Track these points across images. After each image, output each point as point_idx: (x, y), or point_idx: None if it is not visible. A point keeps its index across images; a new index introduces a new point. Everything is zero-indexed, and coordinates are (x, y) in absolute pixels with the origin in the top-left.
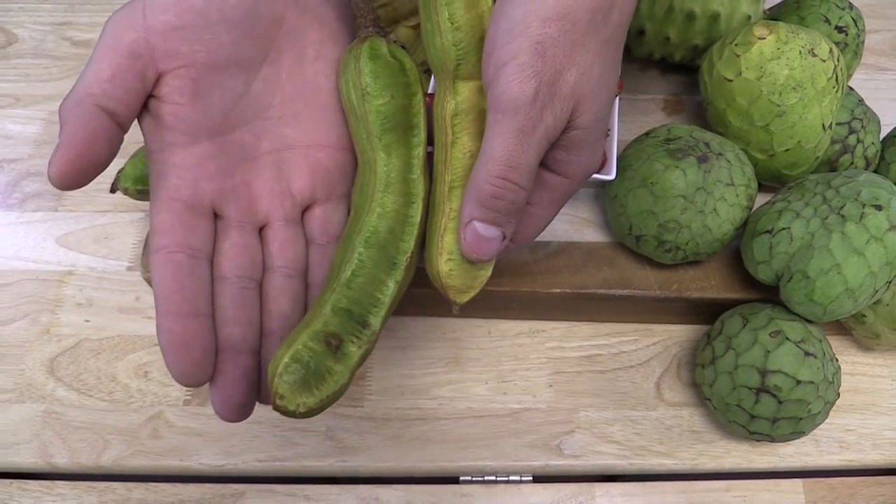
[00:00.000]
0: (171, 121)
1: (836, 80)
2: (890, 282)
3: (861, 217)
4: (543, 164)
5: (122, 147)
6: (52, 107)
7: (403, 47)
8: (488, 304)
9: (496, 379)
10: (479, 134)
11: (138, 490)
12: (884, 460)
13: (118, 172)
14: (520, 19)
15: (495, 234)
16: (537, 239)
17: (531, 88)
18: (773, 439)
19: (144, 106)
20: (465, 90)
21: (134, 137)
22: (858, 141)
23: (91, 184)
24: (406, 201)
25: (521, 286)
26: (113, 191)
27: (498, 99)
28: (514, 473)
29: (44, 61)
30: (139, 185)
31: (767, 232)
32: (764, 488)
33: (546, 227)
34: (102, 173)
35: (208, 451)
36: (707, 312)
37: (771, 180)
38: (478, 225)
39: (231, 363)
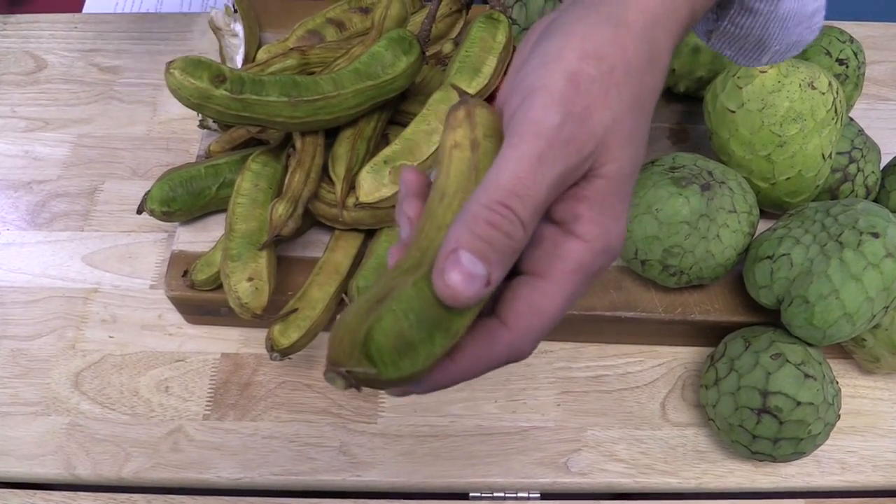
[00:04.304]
0: None
1: (836, 111)
2: (888, 307)
3: (859, 244)
4: (556, 218)
5: (147, 170)
6: (80, 130)
7: None
8: None
9: (505, 397)
10: None
11: (158, 502)
12: (885, 482)
13: (145, 194)
14: (555, 51)
15: (480, 273)
16: None
17: (558, 115)
18: (774, 459)
19: None
20: None
21: (158, 160)
22: (859, 170)
23: (116, 205)
24: None
25: None
26: (139, 212)
27: (519, 123)
28: (523, 490)
29: (72, 86)
30: (164, 207)
31: (769, 258)
32: None
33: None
34: (129, 195)
35: (226, 464)
36: (711, 335)
37: (772, 208)
38: (464, 255)
39: None
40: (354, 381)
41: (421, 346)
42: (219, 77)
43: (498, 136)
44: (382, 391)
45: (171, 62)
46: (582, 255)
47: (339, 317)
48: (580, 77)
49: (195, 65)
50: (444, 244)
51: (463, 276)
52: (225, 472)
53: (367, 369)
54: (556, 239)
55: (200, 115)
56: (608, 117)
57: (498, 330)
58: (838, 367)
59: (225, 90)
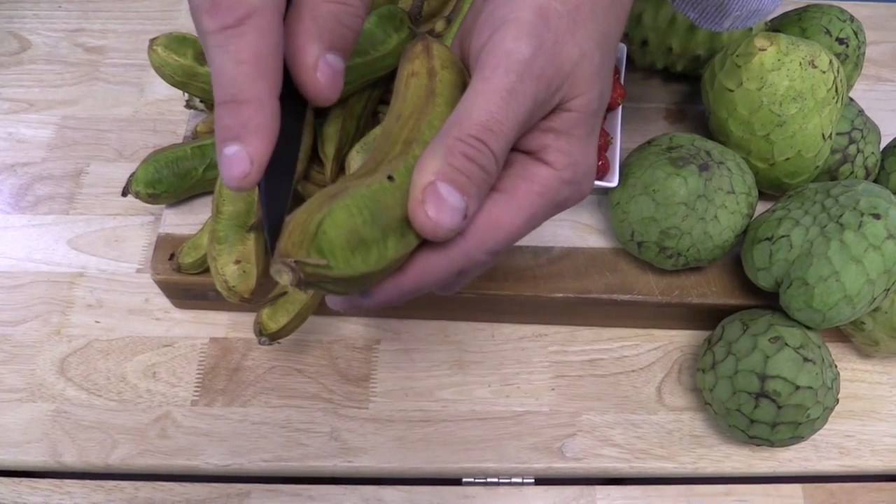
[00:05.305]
0: None
1: (836, 90)
2: (888, 289)
3: (859, 226)
4: (525, 149)
5: (134, 152)
6: (64, 112)
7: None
8: (492, 308)
9: (499, 382)
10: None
11: (146, 489)
12: (883, 466)
13: (130, 176)
14: None
15: (459, 204)
16: (540, 244)
17: (529, 47)
18: (772, 444)
19: None
20: None
21: (145, 142)
22: (858, 151)
23: (102, 187)
24: None
25: (524, 290)
26: (124, 194)
27: (489, 54)
28: (517, 475)
29: (57, 67)
30: (150, 189)
31: (767, 239)
32: (764, 493)
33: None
34: (114, 178)
35: (215, 450)
36: (708, 318)
37: (771, 188)
38: (442, 187)
39: None
40: (303, 276)
41: (374, 246)
42: (204, 54)
43: (455, 68)
44: (330, 294)
45: (154, 39)
46: (549, 180)
47: (289, 215)
48: (549, 12)
49: (179, 41)
50: (419, 173)
51: (443, 208)
52: (214, 459)
53: (318, 261)
54: (526, 163)
55: (187, 94)
56: (577, 52)
57: (455, 238)
58: (837, 351)
59: None
